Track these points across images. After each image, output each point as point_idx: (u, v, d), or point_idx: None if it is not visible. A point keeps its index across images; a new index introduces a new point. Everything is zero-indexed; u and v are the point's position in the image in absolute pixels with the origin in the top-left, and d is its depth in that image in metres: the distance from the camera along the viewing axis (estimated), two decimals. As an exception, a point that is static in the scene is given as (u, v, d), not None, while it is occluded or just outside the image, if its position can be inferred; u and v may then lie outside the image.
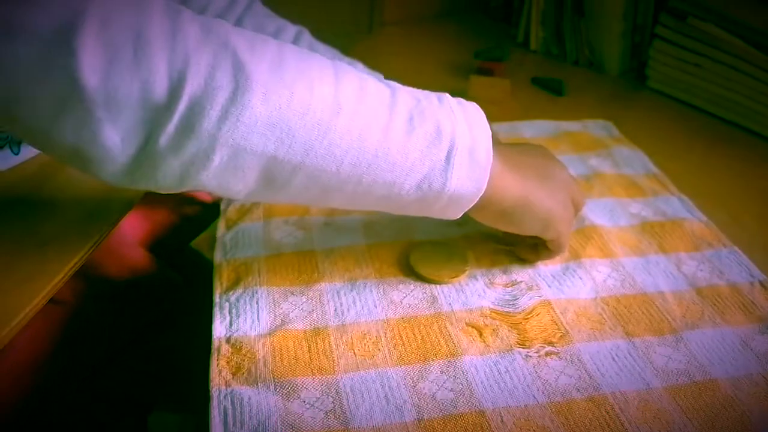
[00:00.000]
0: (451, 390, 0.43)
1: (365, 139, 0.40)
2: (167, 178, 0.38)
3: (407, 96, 0.43)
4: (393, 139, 0.41)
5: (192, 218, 0.68)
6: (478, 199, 0.45)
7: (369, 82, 0.42)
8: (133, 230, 0.60)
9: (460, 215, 0.47)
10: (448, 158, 0.43)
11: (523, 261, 0.54)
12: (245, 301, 0.48)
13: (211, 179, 0.39)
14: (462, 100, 0.46)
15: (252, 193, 0.41)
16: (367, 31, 1.01)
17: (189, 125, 0.36)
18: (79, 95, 0.33)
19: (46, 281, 0.44)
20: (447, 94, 0.46)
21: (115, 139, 0.35)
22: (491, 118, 0.47)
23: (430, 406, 0.42)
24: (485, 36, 0.99)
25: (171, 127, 0.36)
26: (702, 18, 0.77)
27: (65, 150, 0.36)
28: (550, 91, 0.84)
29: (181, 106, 0.35)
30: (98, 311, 0.55)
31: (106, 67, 0.33)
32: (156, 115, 0.35)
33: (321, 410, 0.41)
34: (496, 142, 0.47)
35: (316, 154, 0.40)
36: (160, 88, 0.35)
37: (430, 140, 0.42)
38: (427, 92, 0.45)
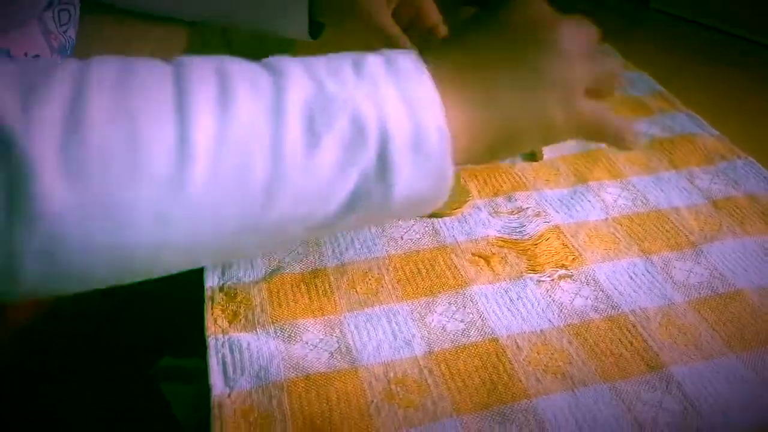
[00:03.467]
0: (462, 321, 0.40)
1: (246, 174, 0.28)
2: None
3: (301, 87, 0.30)
4: (288, 161, 0.29)
5: None
6: (447, 192, 0.33)
7: (237, 85, 0.29)
8: None
9: (441, 203, 0.34)
10: (382, 157, 0.30)
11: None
12: (238, 248, 0.46)
13: (40, 291, 0.29)
14: (394, 56, 0.32)
15: (123, 277, 0.31)
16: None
17: None
18: None
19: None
20: (370, 55, 0.32)
21: None
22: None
23: (440, 338, 0.39)
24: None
25: None
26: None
27: None
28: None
29: None
30: None
31: None
32: None
33: (326, 351, 0.38)
34: (443, 63, 0.33)
35: (174, 223, 0.28)
36: None
37: (346, 142, 0.30)
38: (339, 61, 0.32)
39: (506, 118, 0.34)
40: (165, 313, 0.58)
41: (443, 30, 0.49)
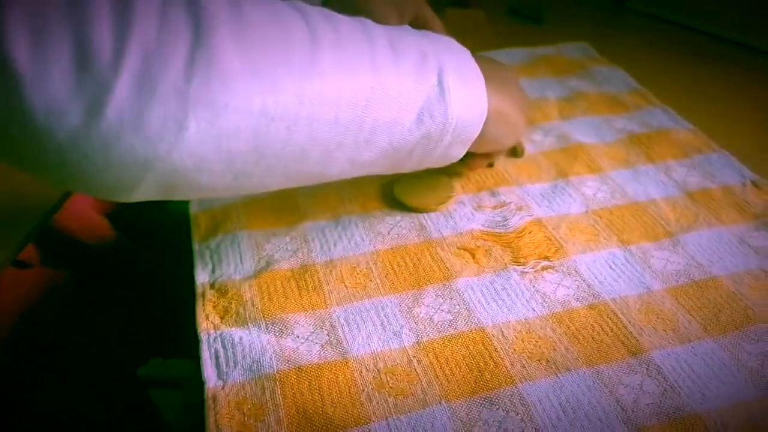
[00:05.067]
0: (449, 312, 0.41)
1: (356, 72, 0.35)
2: (125, 166, 0.30)
3: (377, 26, 0.39)
4: (383, 68, 0.37)
5: None
6: (482, 123, 0.41)
7: (334, 14, 0.37)
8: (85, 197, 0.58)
9: (465, 150, 0.43)
10: (440, 82, 0.39)
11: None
12: (226, 246, 0.46)
13: (186, 158, 0.31)
14: (423, 30, 0.43)
15: (239, 175, 0.34)
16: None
17: (147, 84, 0.28)
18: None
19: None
20: (406, 25, 0.42)
21: (43, 114, 0.27)
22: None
23: (427, 328, 0.40)
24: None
25: (121, 89, 0.28)
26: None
27: None
28: (529, 20, 0.81)
29: (131, 59, 0.28)
30: (70, 273, 0.54)
31: (32, 29, 0.27)
32: (98, 76, 0.27)
33: (316, 343, 0.39)
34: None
35: (309, 101, 0.33)
36: (98, 39, 0.27)
37: (418, 65, 0.38)
38: (386, 25, 0.41)
39: (497, 101, 0.44)
40: (152, 316, 0.58)
41: None
